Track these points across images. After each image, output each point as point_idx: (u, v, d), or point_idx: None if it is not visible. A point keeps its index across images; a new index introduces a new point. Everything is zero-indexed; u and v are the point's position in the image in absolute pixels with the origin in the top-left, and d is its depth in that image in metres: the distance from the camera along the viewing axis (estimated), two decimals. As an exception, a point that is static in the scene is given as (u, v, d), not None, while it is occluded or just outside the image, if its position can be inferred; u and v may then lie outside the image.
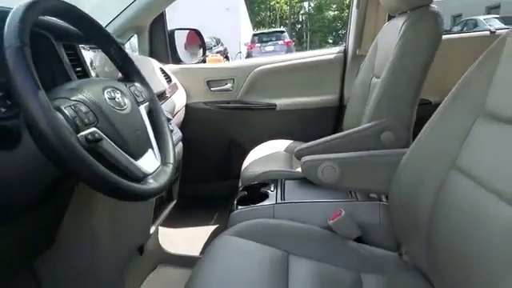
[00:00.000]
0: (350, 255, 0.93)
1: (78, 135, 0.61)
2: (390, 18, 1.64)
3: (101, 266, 1.12)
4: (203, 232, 1.72)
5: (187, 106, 1.91)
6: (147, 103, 0.86)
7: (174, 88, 1.78)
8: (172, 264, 1.39)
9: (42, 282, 1.10)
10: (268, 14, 33.98)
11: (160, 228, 1.52)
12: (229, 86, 1.95)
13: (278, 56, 2.10)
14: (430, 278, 0.85)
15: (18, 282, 1.11)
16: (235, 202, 1.18)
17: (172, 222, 1.67)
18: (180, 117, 1.83)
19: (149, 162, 0.76)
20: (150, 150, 0.79)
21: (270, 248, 0.91)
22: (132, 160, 0.70)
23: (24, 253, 0.96)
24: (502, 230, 0.63)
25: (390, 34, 1.41)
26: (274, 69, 1.93)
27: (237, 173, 1.52)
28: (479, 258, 0.66)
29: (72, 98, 0.65)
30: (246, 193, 1.22)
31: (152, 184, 0.72)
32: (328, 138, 1.29)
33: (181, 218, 1.73)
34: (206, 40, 2.31)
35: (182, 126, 1.70)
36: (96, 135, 0.63)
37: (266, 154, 1.58)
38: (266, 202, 1.12)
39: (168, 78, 1.75)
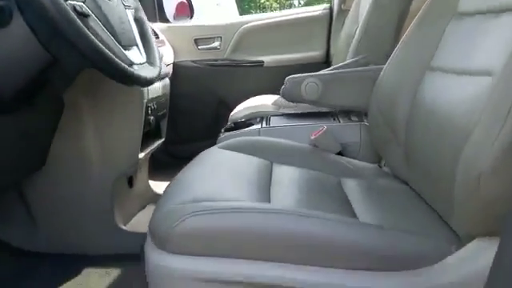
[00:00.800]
0: (330, 164, 0.96)
1: (67, 2, 0.63)
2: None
3: (90, 192, 1.13)
4: None
5: (175, 65, 1.93)
6: (133, 10, 0.88)
7: (162, 44, 1.80)
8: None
9: (30, 205, 1.11)
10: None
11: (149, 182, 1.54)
12: (216, 44, 1.97)
13: (265, 14, 2.13)
14: (408, 183, 0.89)
15: (7, 205, 1.12)
16: (222, 131, 1.20)
17: (161, 177, 1.69)
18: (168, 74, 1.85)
19: (135, 55, 0.79)
20: (135, 47, 0.81)
21: (255, 157, 0.94)
22: (119, 46, 0.73)
23: (15, 169, 0.98)
24: (468, 98, 0.66)
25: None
26: (261, 26, 1.96)
27: (225, 130, 1.54)
28: (448, 138, 0.69)
29: None
30: (233, 125, 1.25)
31: (138, 71, 0.74)
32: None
33: (169, 174, 1.75)
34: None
35: (170, 85, 1.72)
36: (83, 9, 0.66)
37: (254, 103, 1.61)
38: (251, 127, 1.15)
39: (156, 35, 1.77)
